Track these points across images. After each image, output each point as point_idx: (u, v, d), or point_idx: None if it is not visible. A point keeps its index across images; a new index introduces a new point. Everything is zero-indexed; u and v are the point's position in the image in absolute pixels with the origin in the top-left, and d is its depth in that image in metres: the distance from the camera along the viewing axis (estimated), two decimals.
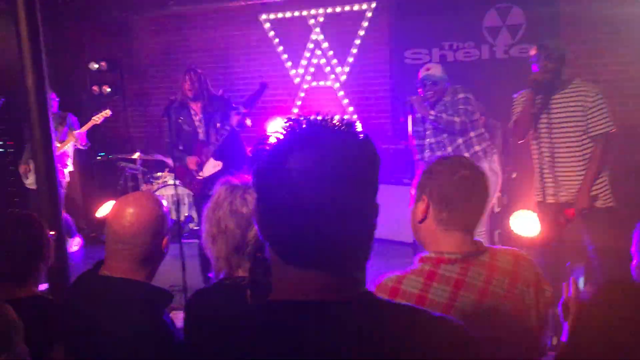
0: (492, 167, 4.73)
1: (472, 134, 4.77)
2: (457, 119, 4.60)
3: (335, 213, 0.95)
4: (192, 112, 5.50)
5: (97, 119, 7.03)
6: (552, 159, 4.05)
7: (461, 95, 4.66)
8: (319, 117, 1.01)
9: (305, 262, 0.97)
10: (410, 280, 1.69)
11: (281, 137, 0.99)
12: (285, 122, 1.01)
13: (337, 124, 1.00)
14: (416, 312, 1.06)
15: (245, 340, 0.97)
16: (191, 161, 5.46)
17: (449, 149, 4.74)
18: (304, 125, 0.99)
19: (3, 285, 2.28)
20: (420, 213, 1.76)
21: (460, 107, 4.62)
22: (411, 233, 1.83)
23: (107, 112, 7.09)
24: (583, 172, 3.95)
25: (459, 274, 1.68)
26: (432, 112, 4.62)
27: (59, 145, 6.64)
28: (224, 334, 1.02)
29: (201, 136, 5.50)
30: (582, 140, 3.97)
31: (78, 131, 6.92)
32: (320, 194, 0.94)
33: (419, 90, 4.84)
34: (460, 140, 4.74)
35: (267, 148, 0.99)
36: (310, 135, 0.98)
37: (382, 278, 1.75)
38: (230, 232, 1.76)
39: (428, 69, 4.77)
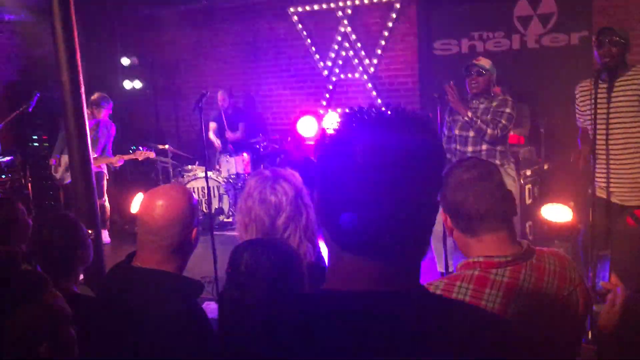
0: (508, 172, 4.63)
1: (498, 147, 4.64)
2: (489, 131, 4.48)
3: (397, 202, 0.94)
4: None
5: (140, 155, 7.06)
6: (607, 151, 3.87)
7: (508, 111, 4.50)
8: (388, 107, 1.00)
9: (362, 250, 0.97)
10: (460, 287, 1.62)
11: (348, 122, 0.98)
12: (352, 109, 1.00)
13: (406, 113, 0.99)
14: (472, 309, 1.06)
15: (299, 331, 0.96)
16: None
17: (469, 149, 4.64)
18: (372, 113, 0.98)
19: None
20: (447, 228, 1.74)
21: (502, 121, 4.50)
22: None
23: (152, 154, 7.13)
24: (636, 168, 3.79)
25: (509, 277, 1.62)
26: (469, 114, 4.51)
27: (94, 156, 6.76)
28: (270, 324, 1.02)
29: None
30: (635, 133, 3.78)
31: (120, 158, 7.01)
32: (383, 182, 0.93)
33: (450, 86, 4.75)
34: (484, 147, 4.63)
35: (334, 133, 0.99)
36: (378, 121, 0.97)
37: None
38: (259, 220, 1.80)
39: (478, 60, 4.69)
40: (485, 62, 4.61)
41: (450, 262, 4.37)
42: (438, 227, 4.78)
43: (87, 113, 4.44)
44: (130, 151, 8.01)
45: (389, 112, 0.99)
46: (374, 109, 0.99)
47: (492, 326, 1.00)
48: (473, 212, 1.65)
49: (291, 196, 1.81)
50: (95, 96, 6.84)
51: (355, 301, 0.96)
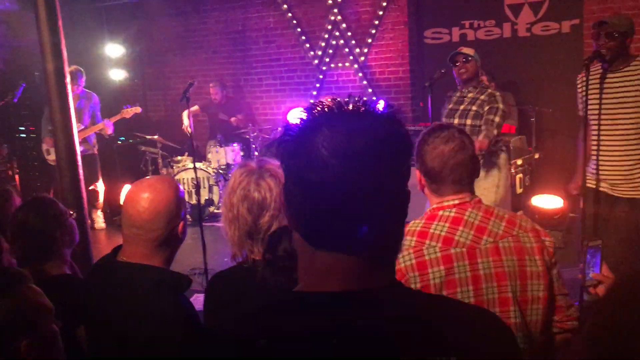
0: (498, 163, 4.61)
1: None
2: (488, 134, 4.39)
3: (365, 194, 0.92)
4: None
5: (127, 113, 7.07)
6: (598, 145, 3.81)
7: (500, 107, 4.39)
8: (349, 99, 0.98)
9: (332, 245, 0.94)
10: (412, 223, 1.93)
11: (309, 115, 0.96)
12: (312, 103, 0.98)
13: (366, 104, 0.97)
14: (449, 302, 1.04)
15: (275, 332, 0.94)
16: None
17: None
18: (332, 105, 0.96)
19: (31, 267, 2.33)
20: (418, 183, 2.00)
21: (496, 119, 4.40)
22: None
23: (138, 109, 7.13)
24: (627, 164, 3.74)
25: (456, 213, 1.89)
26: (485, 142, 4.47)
27: (82, 127, 6.71)
28: (249, 324, 0.99)
29: None
30: (632, 127, 3.71)
31: (107, 120, 6.97)
32: (349, 174, 0.91)
33: (440, 72, 4.71)
34: (480, 137, 4.62)
35: (295, 127, 0.96)
36: (340, 114, 0.95)
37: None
38: (242, 218, 1.75)
39: (461, 49, 4.65)
40: (468, 50, 4.59)
41: None
42: None
43: None
44: (119, 141, 7.96)
45: (351, 104, 0.97)
46: (334, 103, 0.97)
47: (471, 321, 0.98)
48: (445, 179, 1.92)
49: (276, 193, 1.75)
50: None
51: (330, 302, 0.94)
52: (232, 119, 7.75)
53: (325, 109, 0.96)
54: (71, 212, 2.66)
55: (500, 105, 4.43)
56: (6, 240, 2.37)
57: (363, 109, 0.96)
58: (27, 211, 2.49)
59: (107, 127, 6.98)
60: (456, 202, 1.91)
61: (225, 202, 1.80)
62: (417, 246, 1.84)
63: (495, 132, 4.38)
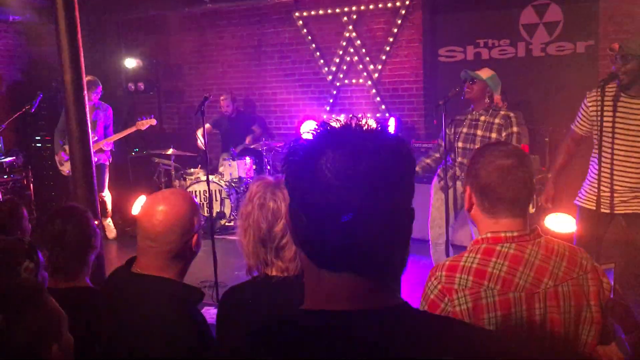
0: None
1: None
2: None
3: (369, 215, 0.92)
4: None
5: (142, 125, 7.11)
6: (611, 168, 3.76)
7: (516, 130, 4.38)
8: (353, 118, 0.98)
9: (337, 266, 0.95)
10: (467, 257, 1.75)
11: (314, 137, 0.97)
12: (318, 123, 0.99)
13: (371, 125, 0.98)
14: (454, 323, 1.03)
15: (280, 350, 0.95)
16: None
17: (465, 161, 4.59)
18: (337, 126, 0.97)
19: (55, 278, 2.36)
20: (467, 202, 1.84)
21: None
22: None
23: (153, 121, 7.17)
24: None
25: (515, 249, 1.72)
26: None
27: (96, 139, 6.78)
28: (257, 341, 0.99)
29: None
30: None
31: (120, 135, 7.03)
32: (353, 195, 0.91)
33: (455, 90, 4.72)
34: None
35: (299, 148, 0.97)
36: (343, 135, 0.96)
37: (436, 264, 1.81)
38: (257, 226, 1.77)
39: (479, 70, 4.64)
40: (483, 72, 4.57)
41: None
42: (439, 240, 4.70)
43: None
44: (134, 153, 8.02)
45: (356, 124, 0.97)
46: (340, 123, 0.98)
47: (477, 341, 0.98)
48: (502, 197, 1.75)
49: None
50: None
51: (335, 321, 0.94)
52: (247, 140, 7.80)
53: (330, 129, 0.97)
54: (96, 222, 2.69)
55: (515, 129, 4.42)
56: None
57: (366, 128, 0.97)
58: (64, 219, 2.48)
59: (108, 145, 7.05)
60: (515, 234, 1.75)
61: (241, 213, 1.82)
62: (474, 287, 1.69)
63: None
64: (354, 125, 0.97)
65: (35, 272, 2.05)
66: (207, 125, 7.79)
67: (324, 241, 0.95)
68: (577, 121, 4.04)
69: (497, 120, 4.45)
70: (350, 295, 0.95)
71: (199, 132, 7.49)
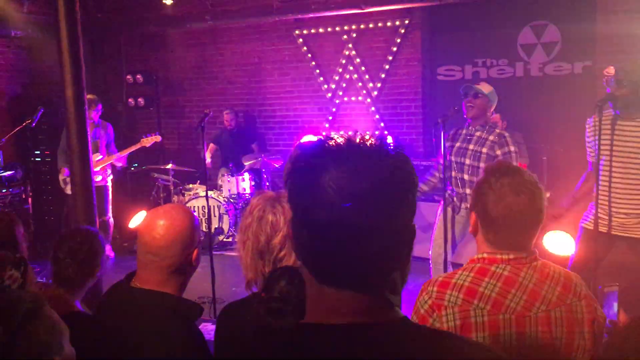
0: None
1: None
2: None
3: (371, 233, 0.93)
4: None
5: (147, 142, 7.08)
6: (609, 190, 3.78)
7: (513, 149, 4.37)
8: (355, 135, 0.99)
9: (339, 282, 0.96)
10: (461, 275, 1.74)
11: (316, 153, 0.98)
12: (321, 139, 1.00)
13: (374, 142, 0.98)
14: (453, 339, 1.04)
15: None
16: None
17: (465, 177, 4.58)
18: (340, 142, 0.97)
19: (60, 295, 2.40)
20: (472, 226, 1.83)
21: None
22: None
23: (158, 138, 7.15)
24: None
25: (510, 272, 1.71)
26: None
27: (99, 157, 6.78)
28: (255, 354, 1.01)
29: None
30: None
31: (120, 154, 7.01)
32: (355, 213, 0.92)
33: (454, 109, 4.74)
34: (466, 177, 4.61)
35: (302, 164, 0.98)
36: (346, 152, 0.96)
37: (430, 279, 1.81)
38: (255, 238, 1.78)
39: (478, 84, 4.63)
40: (484, 87, 4.55)
41: None
42: (439, 260, 4.65)
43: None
44: (133, 168, 8.02)
45: (359, 141, 0.98)
46: (343, 139, 0.98)
47: (463, 353, 0.98)
48: (508, 235, 1.74)
49: (290, 217, 1.78)
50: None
51: (336, 335, 0.94)
52: (246, 163, 7.81)
53: (333, 146, 0.98)
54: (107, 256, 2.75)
55: (512, 148, 4.40)
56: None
57: (369, 145, 0.98)
58: (81, 241, 2.55)
59: (120, 160, 7.03)
60: (511, 256, 1.74)
61: (241, 226, 1.82)
62: (464, 306, 1.68)
63: None
64: (356, 141, 0.98)
65: (21, 282, 2.07)
66: (211, 146, 7.91)
67: (325, 257, 0.96)
68: (588, 151, 4.05)
69: (491, 137, 4.44)
70: (351, 310, 0.96)
71: (207, 155, 7.68)
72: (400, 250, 0.99)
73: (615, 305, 1.77)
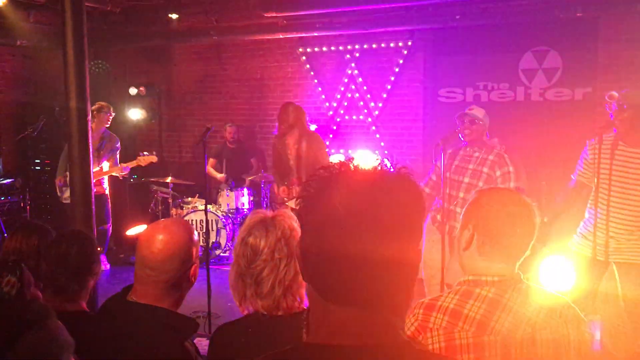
0: None
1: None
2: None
3: (380, 253, 0.95)
4: (287, 143, 6.05)
5: (143, 161, 7.05)
6: (607, 216, 3.78)
7: (512, 170, 4.42)
8: (367, 159, 1.02)
9: (345, 301, 0.97)
10: (447, 297, 1.75)
11: (329, 175, 1.00)
12: (337, 162, 1.02)
13: (389, 168, 1.01)
14: None
15: None
16: (283, 190, 6.15)
17: (461, 194, 4.58)
18: (352, 165, 1.00)
19: (55, 299, 2.36)
20: (465, 242, 1.81)
21: (511, 185, 4.42)
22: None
23: (154, 158, 7.12)
24: (636, 235, 3.69)
25: (495, 294, 1.71)
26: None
27: (97, 169, 6.76)
28: None
29: (294, 171, 6.03)
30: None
31: (125, 166, 6.99)
32: (366, 236, 0.94)
33: (454, 131, 4.77)
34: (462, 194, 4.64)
35: (314, 184, 1.00)
36: (358, 174, 0.99)
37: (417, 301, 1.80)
38: (236, 260, 1.79)
39: (471, 109, 4.71)
40: (478, 112, 4.63)
41: None
42: (433, 281, 4.62)
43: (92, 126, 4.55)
44: (132, 180, 8.03)
45: (374, 167, 1.00)
46: (355, 162, 1.00)
47: None
48: (506, 243, 1.75)
49: (271, 241, 1.79)
50: (96, 106, 6.78)
51: (341, 356, 0.95)
52: (246, 180, 7.85)
53: (345, 168, 1.00)
54: (99, 248, 2.71)
55: (511, 168, 4.45)
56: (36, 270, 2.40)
57: (382, 169, 1.00)
58: (69, 244, 2.51)
59: (125, 171, 7.02)
60: (496, 279, 1.74)
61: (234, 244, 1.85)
62: (448, 327, 1.70)
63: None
64: (369, 165, 1.00)
65: (18, 287, 2.07)
66: (211, 161, 7.93)
67: (332, 275, 0.97)
68: (579, 170, 4.06)
69: (491, 157, 4.51)
70: (356, 330, 0.97)
71: (213, 172, 7.80)
72: (406, 273, 1.00)
73: (598, 333, 1.75)
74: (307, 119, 6.23)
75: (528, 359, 1.67)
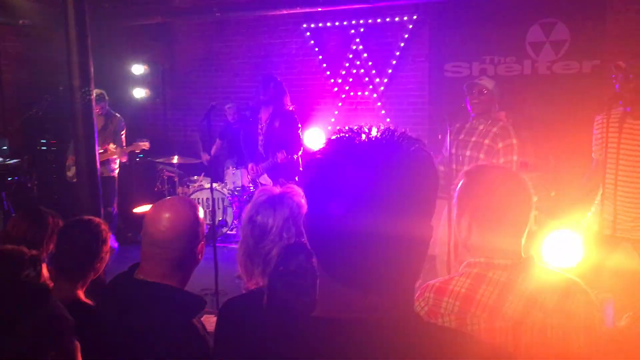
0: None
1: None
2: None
3: (387, 233, 0.91)
4: (260, 117, 5.78)
5: (137, 147, 7.05)
6: (614, 190, 3.75)
7: (514, 142, 4.31)
8: (373, 129, 0.96)
9: (349, 277, 0.95)
10: (458, 281, 1.72)
11: (334, 148, 0.96)
12: (341, 134, 0.97)
13: (396, 138, 0.95)
14: (463, 337, 1.03)
15: (287, 356, 0.95)
16: (250, 167, 5.84)
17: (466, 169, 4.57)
18: (358, 137, 0.95)
19: (60, 285, 2.37)
20: (466, 230, 1.78)
21: (514, 157, 4.37)
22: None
23: (146, 145, 7.12)
24: None
25: (507, 278, 1.68)
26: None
27: (101, 151, 6.74)
28: (261, 346, 1.01)
29: (260, 148, 5.74)
30: None
31: (123, 150, 6.98)
32: (372, 212, 0.90)
33: (460, 107, 4.72)
34: None
35: (320, 158, 0.96)
36: (365, 146, 0.94)
37: (427, 283, 1.77)
38: (245, 239, 1.79)
39: (481, 79, 4.61)
40: (487, 82, 4.53)
41: None
42: (445, 258, 4.59)
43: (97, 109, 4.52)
44: (138, 159, 8.03)
45: (381, 137, 0.95)
46: (361, 134, 0.95)
47: (473, 351, 0.97)
48: (505, 217, 1.72)
49: (279, 220, 1.78)
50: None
51: (347, 329, 0.94)
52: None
53: (350, 140, 0.95)
54: (113, 249, 2.71)
55: (514, 140, 4.37)
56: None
57: (389, 139, 0.95)
58: (80, 230, 2.52)
59: (124, 156, 7.01)
60: (508, 262, 1.71)
61: (239, 226, 1.84)
62: (461, 313, 1.67)
63: (516, 165, 4.35)
64: (375, 135, 0.95)
65: (36, 280, 2.07)
66: (217, 141, 7.91)
67: (337, 251, 0.95)
68: (593, 148, 4.02)
69: (494, 129, 4.40)
70: (361, 305, 0.95)
71: (213, 149, 7.68)
72: (416, 251, 0.97)
73: (611, 312, 1.73)
74: (288, 99, 5.90)
75: (539, 344, 1.65)
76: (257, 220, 1.79)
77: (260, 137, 5.79)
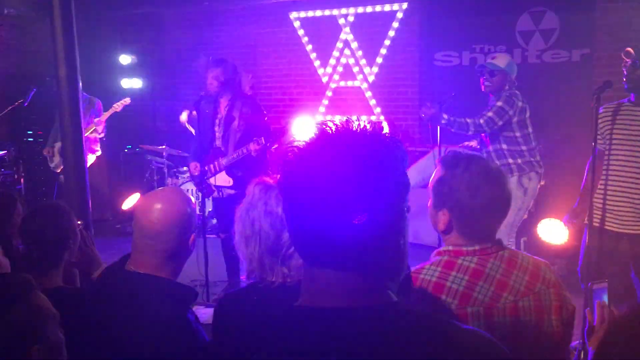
0: (521, 182, 4.55)
1: (504, 146, 4.54)
2: (469, 120, 4.36)
3: (354, 215, 0.94)
4: (220, 101, 4.97)
5: (118, 106, 7.07)
6: (606, 180, 3.75)
7: (499, 104, 4.38)
8: (347, 120, 1.01)
9: (324, 263, 0.97)
10: (428, 269, 1.72)
11: (309, 139, 1.00)
12: (314, 125, 1.02)
13: (362, 125, 1.00)
14: (447, 325, 1.03)
15: (272, 347, 0.97)
16: (193, 166, 4.98)
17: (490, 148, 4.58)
18: (332, 128, 1.00)
19: (31, 274, 2.29)
20: (443, 225, 1.75)
21: (488, 114, 4.40)
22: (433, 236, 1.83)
23: (127, 100, 7.14)
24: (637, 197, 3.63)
25: (477, 264, 1.69)
26: (445, 116, 4.41)
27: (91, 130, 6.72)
28: (252, 340, 1.02)
29: (217, 142, 4.98)
30: None
31: (98, 119, 6.95)
32: (340, 196, 0.94)
33: (451, 95, 4.70)
34: (490, 148, 4.60)
35: (296, 149, 1.00)
36: (337, 138, 0.98)
37: None
38: (264, 233, 1.71)
39: (493, 57, 4.62)
40: (499, 61, 4.53)
41: None
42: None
43: None
44: (126, 149, 7.97)
45: (346, 125, 1.00)
46: (334, 125, 1.00)
47: (468, 343, 0.97)
48: (485, 220, 1.71)
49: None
50: None
51: (328, 318, 0.95)
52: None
53: (324, 131, 1.00)
54: (79, 222, 2.61)
55: (499, 103, 4.40)
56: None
57: (356, 127, 1.00)
58: (44, 216, 2.40)
59: (98, 125, 6.95)
60: (477, 247, 1.71)
61: (243, 219, 1.75)
62: (432, 300, 1.68)
63: (481, 121, 4.36)
64: (348, 127, 1.00)
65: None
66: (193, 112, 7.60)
67: (310, 237, 0.98)
68: (598, 138, 3.99)
69: (498, 103, 4.46)
70: (341, 292, 0.97)
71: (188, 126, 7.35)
72: (388, 233, 1.00)
73: (605, 300, 1.73)
74: (249, 85, 5.46)
75: (510, 327, 1.66)
76: (277, 211, 1.71)
77: (217, 129, 4.97)
